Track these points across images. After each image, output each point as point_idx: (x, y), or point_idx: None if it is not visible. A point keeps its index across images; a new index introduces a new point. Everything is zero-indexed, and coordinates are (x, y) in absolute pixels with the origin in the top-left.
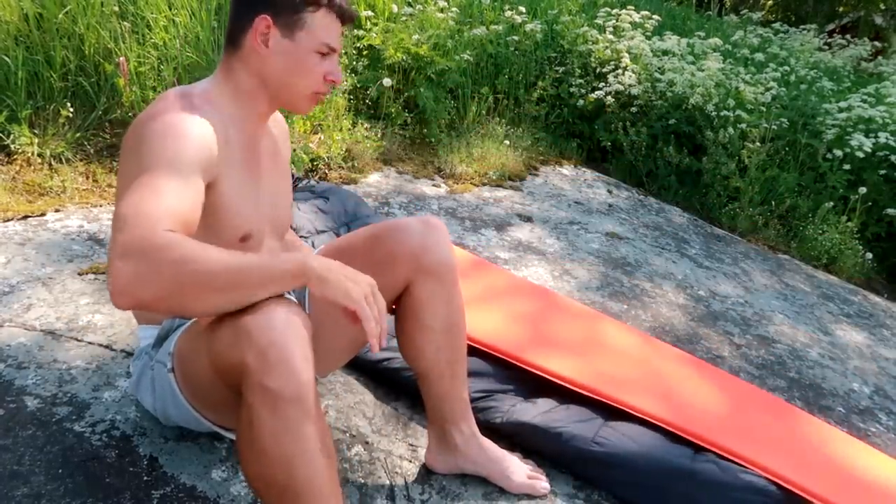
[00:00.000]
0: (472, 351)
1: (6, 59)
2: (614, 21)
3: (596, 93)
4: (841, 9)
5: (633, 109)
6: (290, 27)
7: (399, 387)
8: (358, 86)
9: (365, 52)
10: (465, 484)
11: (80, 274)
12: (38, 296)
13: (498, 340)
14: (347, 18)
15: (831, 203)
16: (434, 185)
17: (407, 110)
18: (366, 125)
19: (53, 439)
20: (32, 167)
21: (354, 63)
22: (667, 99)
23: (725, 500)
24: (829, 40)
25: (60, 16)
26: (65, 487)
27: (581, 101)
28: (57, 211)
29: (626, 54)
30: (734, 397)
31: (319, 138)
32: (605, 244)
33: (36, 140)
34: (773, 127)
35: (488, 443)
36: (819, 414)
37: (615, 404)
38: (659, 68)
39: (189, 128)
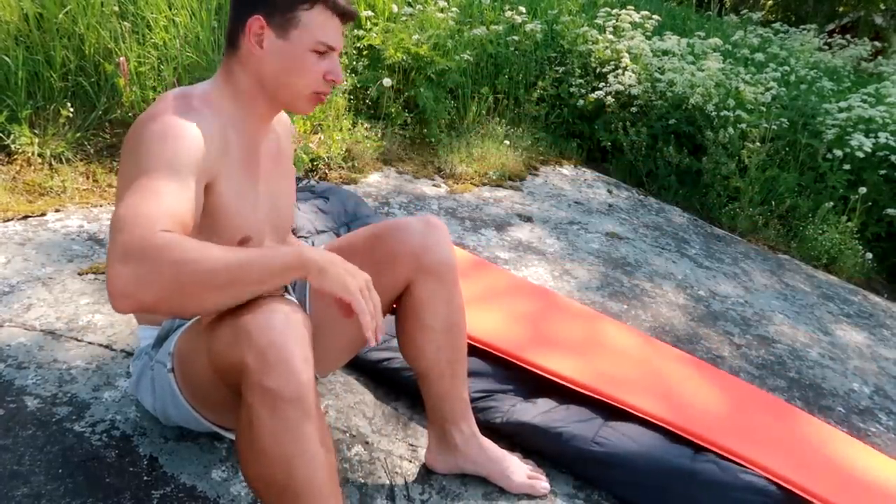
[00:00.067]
0: (472, 351)
1: (6, 59)
2: (614, 21)
3: (596, 93)
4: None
5: (633, 109)
6: (284, 26)
7: (399, 387)
8: (358, 86)
9: (365, 52)
10: (465, 484)
11: (80, 274)
12: (38, 296)
13: (498, 340)
14: (346, 16)
15: (831, 203)
16: (434, 185)
17: (407, 110)
18: (366, 125)
19: (53, 439)
20: (32, 167)
21: (354, 63)
22: (667, 99)
23: (725, 500)
24: (829, 40)
25: (60, 16)
26: (65, 487)
27: (581, 101)
28: (57, 211)
29: (626, 54)
30: (734, 397)
31: (319, 138)
32: (605, 244)
33: (36, 140)
34: (773, 127)
35: (488, 443)
36: (819, 414)
37: (615, 404)
38: (659, 68)
39: (187, 129)
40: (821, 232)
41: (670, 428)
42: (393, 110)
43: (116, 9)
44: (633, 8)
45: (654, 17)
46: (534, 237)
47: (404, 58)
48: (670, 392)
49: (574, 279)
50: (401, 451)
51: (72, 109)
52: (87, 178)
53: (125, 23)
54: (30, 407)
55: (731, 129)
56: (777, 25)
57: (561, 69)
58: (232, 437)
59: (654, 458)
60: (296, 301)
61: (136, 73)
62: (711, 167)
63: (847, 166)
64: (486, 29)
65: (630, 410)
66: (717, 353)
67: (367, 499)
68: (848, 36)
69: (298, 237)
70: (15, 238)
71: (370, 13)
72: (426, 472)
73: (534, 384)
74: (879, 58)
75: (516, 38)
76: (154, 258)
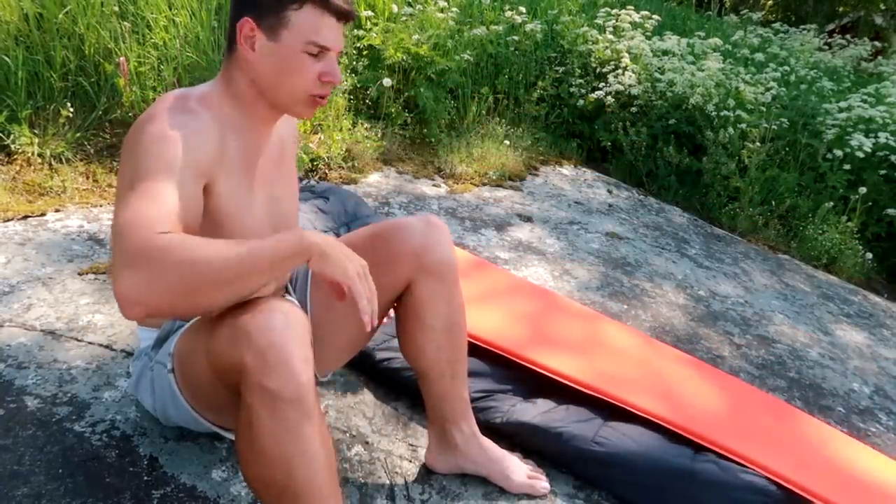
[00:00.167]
0: (473, 350)
1: (6, 59)
2: (614, 21)
3: (596, 93)
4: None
5: (633, 109)
6: (274, 28)
7: (399, 387)
8: (358, 86)
9: (365, 52)
10: (465, 484)
11: (80, 274)
12: (39, 296)
13: (498, 340)
14: (340, 14)
15: (831, 203)
16: (434, 185)
17: (407, 110)
18: (366, 125)
19: (53, 439)
20: (32, 167)
21: (354, 63)
22: (667, 99)
23: (726, 500)
24: (829, 40)
25: (60, 16)
26: (65, 487)
27: (581, 101)
28: (57, 211)
29: (626, 54)
30: (734, 397)
31: (319, 138)
32: (605, 244)
33: (36, 140)
34: (774, 127)
35: (488, 442)
36: (819, 414)
37: (615, 403)
38: (659, 68)
39: (184, 130)
40: (821, 232)
41: (670, 428)
42: (393, 110)
43: (116, 9)
44: (633, 8)
45: (654, 17)
46: (534, 237)
47: (404, 58)
48: (670, 392)
49: (574, 279)
50: (401, 451)
51: (72, 109)
52: (87, 178)
53: (125, 23)
54: (30, 407)
55: (731, 129)
56: (777, 25)
57: (561, 69)
58: (232, 437)
59: (654, 458)
60: (296, 301)
61: (136, 73)
62: (711, 167)
63: (847, 166)
64: (486, 29)
65: (630, 410)
66: (717, 353)
67: (367, 499)
68: (848, 36)
69: None
70: (15, 238)
71: (370, 13)
72: (426, 472)
73: (534, 384)
74: (879, 58)
75: (516, 38)
76: (158, 260)
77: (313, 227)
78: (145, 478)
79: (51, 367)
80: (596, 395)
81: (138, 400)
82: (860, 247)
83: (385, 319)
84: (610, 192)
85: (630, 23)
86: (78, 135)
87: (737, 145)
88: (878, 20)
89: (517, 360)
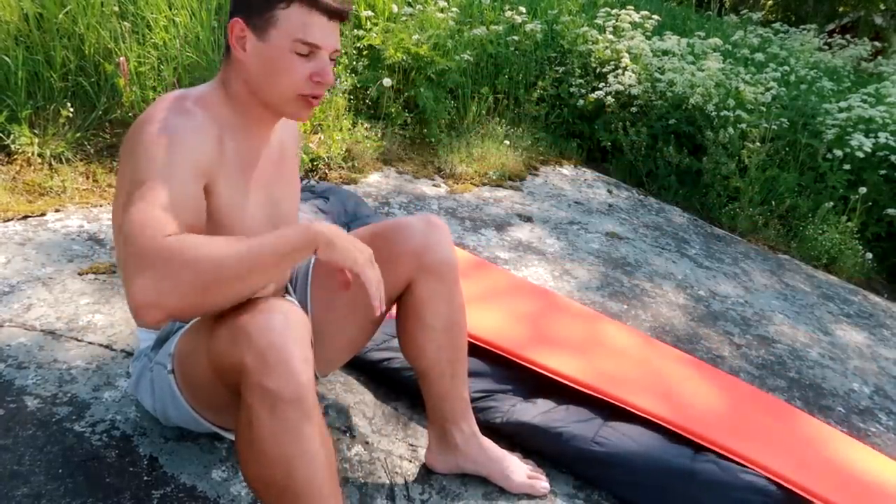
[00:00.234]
0: (473, 350)
1: (6, 59)
2: (614, 21)
3: (596, 93)
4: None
5: (633, 109)
6: (262, 27)
7: (399, 387)
8: (358, 86)
9: (365, 52)
10: (465, 484)
11: (80, 274)
12: (38, 296)
13: (498, 339)
14: (330, 12)
15: (831, 203)
16: (434, 185)
17: (407, 110)
18: (366, 125)
19: (53, 439)
20: (32, 167)
21: (354, 63)
22: (667, 99)
23: (726, 500)
24: (829, 40)
25: (60, 16)
26: (65, 487)
27: (581, 101)
28: (57, 211)
29: (626, 54)
30: (734, 397)
31: (319, 138)
32: (605, 244)
33: (36, 140)
34: (773, 127)
35: (488, 442)
36: (819, 414)
37: (615, 403)
38: (659, 68)
39: (183, 132)
40: (821, 232)
41: (670, 428)
42: (393, 110)
43: (116, 9)
44: (633, 8)
45: (653, 17)
46: (534, 237)
47: (404, 58)
48: (670, 392)
49: (574, 279)
50: (401, 451)
51: (72, 109)
52: (87, 178)
53: (125, 23)
54: (30, 407)
55: (731, 129)
56: (777, 25)
57: (561, 69)
58: (232, 437)
59: (654, 458)
60: (296, 301)
61: (136, 73)
62: (711, 167)
63: (847, 166)
64: (486, 29)
65: (630, 410)
66: (717, 353)
67: (367, 499)
68: (848, 36)
69: None
70: (15, 238)
71: (370, 13)
72: (426, 472)
73: (534, 384)
74: (879, 58)
75: (516, 38)
76: (169, 263)
77: None
78: (145, 478)
79: (51, 367)
80: (596, 395)
81: (138, 400)
82: (860, 247)
83: (385, 319)
84: (610, 192)
85: (630, 23)
86: (78, 135)
87: (737, 145)
88: (878, 20)
89: (517, 360)
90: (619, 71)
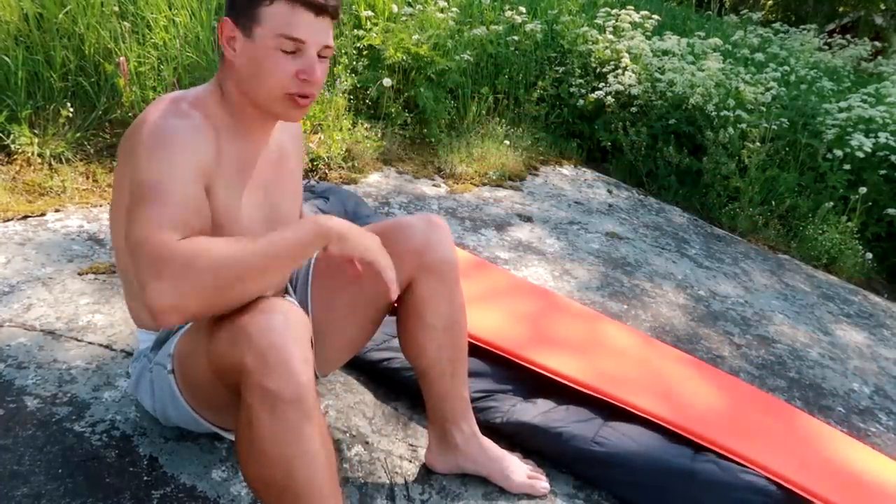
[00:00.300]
0: (473, 350)
1: (6, 59)
2: (614, 21)
3: (596, 93)
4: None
5: (633, 109)
6: (248, 26)
7: (399, 387)
8: (358, 86)
9: (365, 52)
10: (465, 484)
11: (80, 274)
12: (38, 296)
13: (499, 339)
14: (316, 7)
15: (831, 203)
16: (434, 185)
17: (407, 110)
18: (366, 125)
19: (53, 439)
20: (32, 167)
21: (354, 63)
22: (667, 99)
23: (726, 500)
24: (829, 40)
25: (60, 16)
26: (65, 487)
27: (581, 101)
28: (57, 211)
29: (626, 54)
30: (734, 397)
31: (319, 138)
32: (605, 244)
33: (36, 140)
34: (774, 127)
35: (488, 442)
36: (819, 414)
37: (615, 403)
38: (659, 68)
39: (181, 134)
40: (821, 232)
41: (670, 428)
42: (393, 110)
43: (116, 9)
44: (633, 8)
45: (654, 16)
46: (534, 237)
47: (404, 58)
48: (670, 392)
49: (574, 279)
50: (401, 451)
51: (72, 109)
52: (87, 178)
53: (125, 23)
54: (30, 407)
55: (731, 129)
56: (777, 25)
57: (561, 69)
58: (232, 437)
59: (654, 458)
60: (296, 302)
61: (136, 73)
62: (711, 167)
63: (847, 166)
64: (486, 29)
65: (630, 410)
66: (718, 353)
67: (367, 499)
68: (848, 36)
69: None
70: (15, 238)
71: (370, 13)
72: (426, 472)
73: (533, 384)
74: (879, 58)
75: (516, 38)
76: (186, 268)
77: None
78: (145, 478)
79: (51, 368)
80: (596, 395)
81: (138, 400)
82: (860, 247)
83: (385, 319)
84: (610, 192)
85: (630, 23)
86: (78, 135)
87: (737, 145)
88: (879, 20)
89: (517, 360)
90: (619, 71)
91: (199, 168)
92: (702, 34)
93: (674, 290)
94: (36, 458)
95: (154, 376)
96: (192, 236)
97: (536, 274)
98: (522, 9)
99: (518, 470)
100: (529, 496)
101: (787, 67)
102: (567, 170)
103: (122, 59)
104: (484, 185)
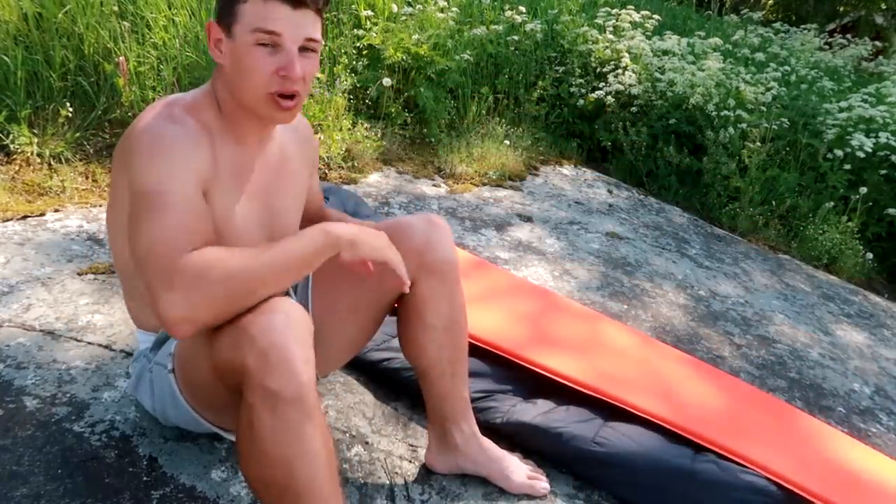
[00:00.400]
0: (473, 351)
1: (5, 58)
2: (614, 21)
3: (596, 93)
4: (841, 8)
5: (634, 109)
6: (229, 25)
7: (399, 387)
8: (358, 86)
9: (365, 52)
10: (465, 484)
11: (79, 274)
12: (38, 296)
13: (499, 339)
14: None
15: (832, 203)
16: (434, 185)
17: (407, 110)
18: (366, 125)
19: (53, 439)
20: (32, 167)
21: (354, 63)
22: (667, 99)
23: (726, 500)
24: (830, 40)
25: (60, 15)
26: (64, 488)
27: (581, 101)
28: (56, 211)
29: (627, 54)
30: (734, 397)
31: (319, 138)
32: (606, 244)
33: (35, 140)
34: (774, 127)
35: (488, 443)
36: (819, 414)
37: (615, 403)
38: (659, 68)
39: (176, 141)
40: (821, 232)
41: (670, 428)
42: (393, 110)
43: (116, 8)
44: (633, 7)
45: (654, 16)
46: (534, 237)
47: (404, 58)
48: (670, 392)
49: (574, 279)
50: (401, 451)
51: (71, 109)
52: (87, 178)
53: (125, 22)
54: (29, 407)
55: (731, 129)
56: (777, 25)
57: (561, 69)
58: (232, 438)
59: (654, 458)
60: (297, 302)
61: (136, 72)
62: (712, 167)
63: (847, 166)
64: (486, 29)
65: (630, 410)
66: (718, 354)
67: (367, 499)
68: (848, 35)
69: None
70: (14, 238)
71: (370, 13)
72: (426, 472)
73: (533, 384)
74: (880, 57)
75: (516, 37)
76: (199, 280)
77: None
78: (145, 478)
79: (50, 368)
80: (596, 395)
81: (138, 401)
82: (861, 247)
83: (385, 318)
84: (610, 192)
85: (630, 22)
86: (77, 135)
87: (737, 145)
88: (879, 20)
89: (517, 360)
90: (620, 71)
91: (196, 174)
92: (702, 34)
93: (674, 290)
94: (35, 458)
95: (154, 376)
96: (201, 245)
97: (536, 274)
98: (522, 8)
99: (518, 470)
100: (529, 496)
101: (787, 67)
102: (567, 170)
103: (121, 58)
104: (484, 185)
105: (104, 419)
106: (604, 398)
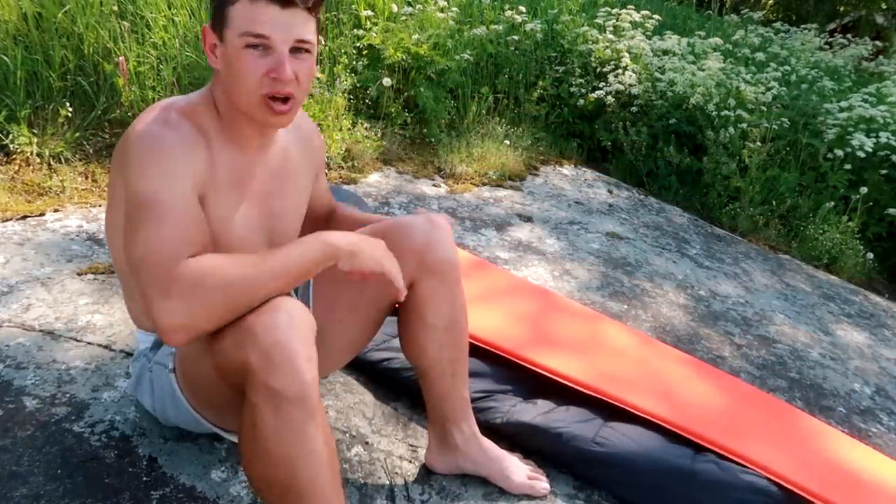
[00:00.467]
0: (473, 351)
1: (5, 58)
2: (614, 21)
3: (596, 92)
4: (842, 8)
5: (634, 109)
6: (221, 29)
7: (399, 387)
8: (358, 85)
9: (365, 52)
10: (465, 484)
11: (79, 274)
12: (37, 296)
13: (499, 339)
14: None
15: (832, 203)
16: (434, 185)
17: (407, 110)
18: (366, 125)
19: (52, 440)
20: (31, 167)
21: (354, 63)
22: (667, 99)
23: (726, 500)
24: (830, 40)
25: (59, 15)
26: (64, 488)
27: (581, 101)
28: (56, 211)
29: (627, 54)
30: (734, 397)
31: None
32: (606, 244)
33: (35, 140)
34: (774, 126)
35: (488, 443)
36: (820, 414)
37: (616, 403)
38: (659, 68)
39: (170, 145)
40: (822, 232)
41: (671, 428)
42: (393, 110)
43: (115, 8)
44: (633, 7)
45: (654, 16)
46: (534, 237)
47: (404, 57)
48: (670, 392)
49: (574, 279)
50: (401, 451)
51: (71, 109)
52: (86, 177)
53: (124, 22)
54: (29, 407)
55: (731, 129)
56: (778, 25)
57: (561, 69)
58: (232, 438)
59: (654, 459)
60: (300, 301)
61: (136, 72)
62: (712, 167)
63: (848, 166)
64: (486, 29)
65: (630, 410)
66: (718, 354)
67: (366, 499)
68: (849, 35)
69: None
70: (14, 238)
71: (370, 13)
72: (426, 472)
73: (534, 384)
74: (880, 57)
75: (516, 37)
76: (197, 288)
77: None
78: (144, 478)
79: (50, 368)
80: (596, 395)
81: (138, 400)
82: (861, 247)
83: (385, 319)
84: (610, 191)
85: (630, 22)
86: (77, 134)
87: (737, 145)
88: (880, 19)
89: (517, 361)
90: (620, 71)
91: (192, 179)
92: (702, 34)
93: (674, 290)
94: (35, 458)
95: (154, 376)
96: (198, 252)
97: (536, 274)
98: (522, 8)
99: (518, 470)
100: (529, 497)
101: (787, 67)
102: (567, 170)
103: (121, 58)
104: (484, 185)
105: (104, 419)
106: (604, 398)
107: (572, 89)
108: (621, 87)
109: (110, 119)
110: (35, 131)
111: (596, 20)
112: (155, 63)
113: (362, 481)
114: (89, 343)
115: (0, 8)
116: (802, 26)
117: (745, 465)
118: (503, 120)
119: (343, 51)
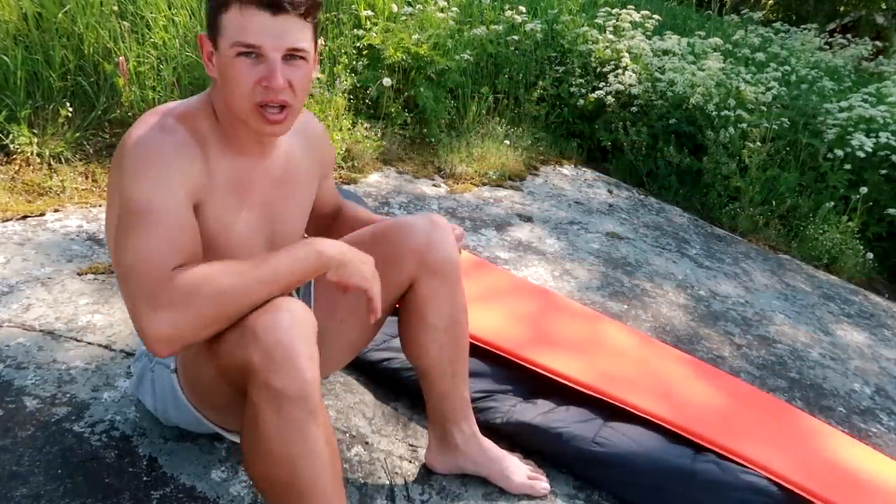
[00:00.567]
0: (473, 351)
1: (5, 58)
2: (614, 21)
3: (596, 92)
4: (842, 8)
5: (634, 109)
6: (215, 38)
7: (399, 387)
8: (358, 85)
9: (365, 52)
10: (465, 484)
11: (79, 274)
12: (38, 296)
13: (499, 339)
14: (269, 5)
15: (832, 203)
16: (434, 185)
17: (407, 110)
18: (366, 125)
19: (53, 440)
20: (31, 167)
21: (354, 63)
22: (667, 99)
23: (726, 500)
24: (830, 40)
25: (60, 15)
26: (64, 488)
27: (581, 101)
28: (56, 211)
29: (627, 54)
30: (734, 398)
31: None
32: (606, 244)
33: (35, 140)
34: (774, 127)
35: (488, 443)
36: (820, 414)
37: (616, 403)
38: (659, 68)
39: (165, 152)
40: (821, 232)
41: (671, 428)
42: (393, 110)
43: (116, 8)
44: (633, 7)
45: (654, 16)
46: (534, 237)
47: (404, 57)
48: (670, 392)
49: (574, 279)
50: (401, 451)
51: (71, 109)
52: (87, 177)
53: (124, 22)
54: (29, 407)
55: (731, 129)
56: (778, 25)
57: (561, 69)
58: (233, 438)
59: (654, 459)
60: (301, 300)
61: (136, 72)
62: (712, 167)
63: (848, 166)
64: (486, 29)
65: (630, 410)
66: (718, 354)
67: (367, 499)
68: (849, 35)
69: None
70: (14, 238)
71: (370, 13)
72: (426, 472)
73: (534, 384)
74: (880, 57)
75: (516, 37)
76: (187, 297)
77: None
78: (144, 478)
79: (50, 368)
80: (596, 395)
81: (139, 400)
82: (861, 247)
83: (385, 318)
84: (610, 191)
85: (630, 22)
86: (77, 134)
87: (737, 145)
88: (880, 19)
89: (517, 361)
90: (620, 71)
91: (186, 186)
92: (702, 34)
93: (674, 290)
94: (35, 458)
95: (155, 375)
96: (187, 260)
97: (536, 274)
98: (522, 8)
99: (518, 470)
100: (529, 497)
101: (787, 67)
102: (567, 170)
103: (121, 58)
104: (484, 185)
105: (104, 419)
106: (604, 398)
107: (572, 89)
108: (621, 87)
109: (110, 119)
110: (35, 131)
111: (596, 20)
112: (155, 63)
113: (362, 481)
114: (89, 343)
115: (0, 8)
116: (802, 26)
117: (745, 465)
118: (503, 120)
119: (343, 51)
